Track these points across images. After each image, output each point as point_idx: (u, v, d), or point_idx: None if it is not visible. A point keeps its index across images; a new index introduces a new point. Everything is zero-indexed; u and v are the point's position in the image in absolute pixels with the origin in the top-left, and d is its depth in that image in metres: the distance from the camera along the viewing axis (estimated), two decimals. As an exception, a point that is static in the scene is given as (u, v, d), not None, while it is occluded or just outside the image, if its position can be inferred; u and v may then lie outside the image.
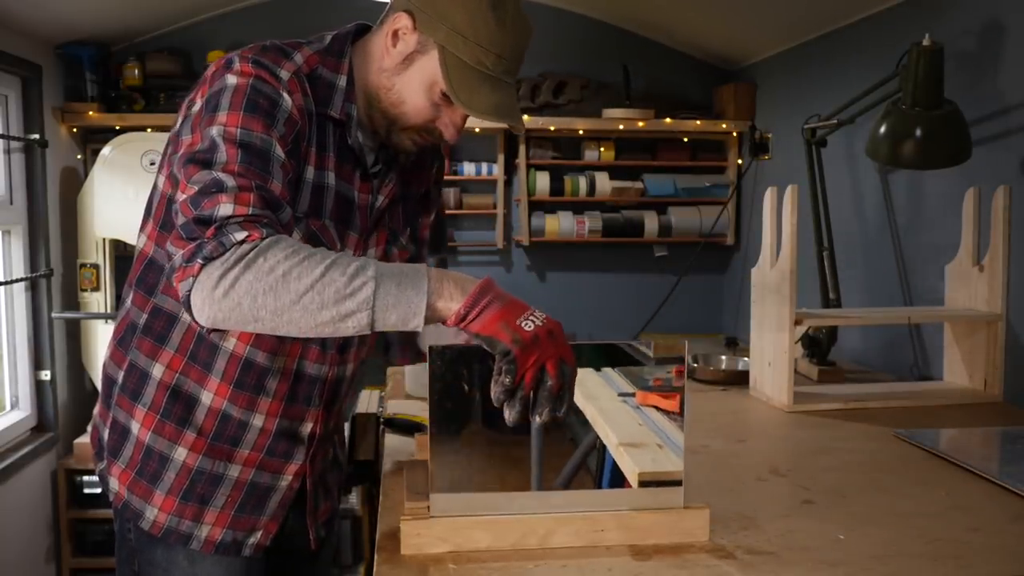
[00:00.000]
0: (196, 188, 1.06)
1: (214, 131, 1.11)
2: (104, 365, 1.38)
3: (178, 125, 1.22)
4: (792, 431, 1.88)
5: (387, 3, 1.27)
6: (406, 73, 1.22)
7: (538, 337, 1.02)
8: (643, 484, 1.18)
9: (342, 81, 1.25)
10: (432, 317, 1.04)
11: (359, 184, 1.30)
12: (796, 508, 1.36)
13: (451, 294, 1.04)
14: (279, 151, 1.13)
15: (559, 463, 1.19)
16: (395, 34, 1.22)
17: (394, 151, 1.32)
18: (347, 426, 1.67)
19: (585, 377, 1.16)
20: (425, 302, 1.02)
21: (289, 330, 1.03)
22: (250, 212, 1.04)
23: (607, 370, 1.19)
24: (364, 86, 1.27)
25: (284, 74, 1.19)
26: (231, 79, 1.16)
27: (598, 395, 1.19)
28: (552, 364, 1.03)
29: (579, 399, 1.15)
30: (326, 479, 1.48)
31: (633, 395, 1.19)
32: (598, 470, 1.20)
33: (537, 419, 1.05)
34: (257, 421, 1.31)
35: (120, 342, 1.34)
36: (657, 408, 1.19)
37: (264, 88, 1.16)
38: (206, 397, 1.29)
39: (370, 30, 1.31)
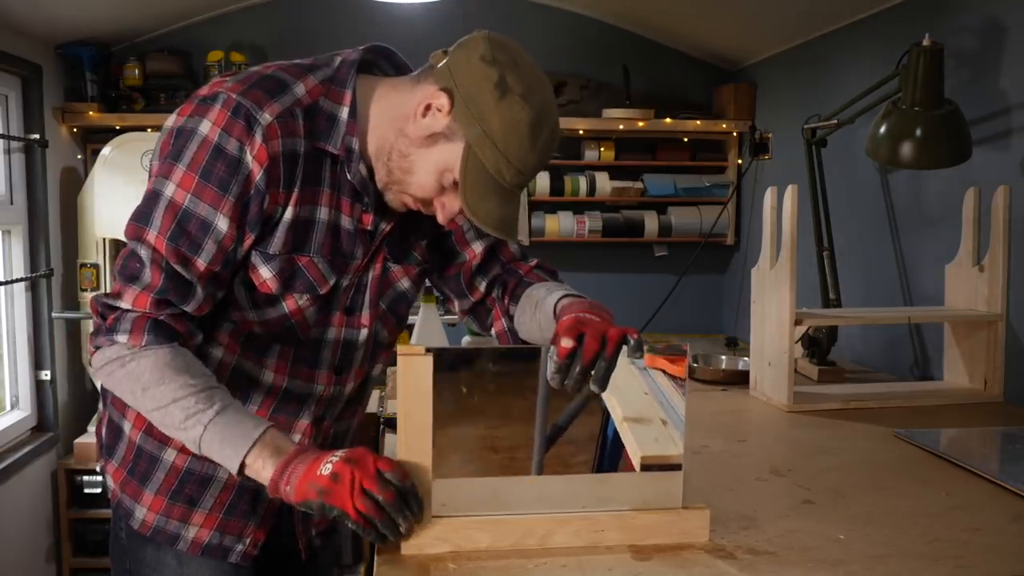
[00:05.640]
0: (122, 259, 1.18)
1: (165, 187, 1.17)
2: None
3: (161, 135, 1.21)
4: (792, 431, 1.88)
5: (388, 2, 1.26)
6: (426, 150, 1.19)
7: (336, 475, 1.06)
8: (645, 468, 1.17)
9: (343, 113, 1.21)
10: (251, 474, 1.12)
11: (360, 215, 1.27)
12: (796, 508, 1.36)
13: (264, 463, 1.11)
14: (223, 224, 1.16)
15: (561, 466, 1.18)
16: (428, 107, 1.17)
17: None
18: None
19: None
20: (239, 463, 1.11)
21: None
22: (146, 310, 1.15)
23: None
24: (378, 135, 1.23)
25: (265, 118, 1.15)
26: (204, 127, 1.15)
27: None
28: (369, 482, 1.06)
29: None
30: None
31: (641, 356, 1.17)
32: (600, 438, 1.19)
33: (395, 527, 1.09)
34: None
35: None
36: (664, 372, 1.18)
37: (228, 146, 1.15)
38: None
39: (384, 53, 1.29)
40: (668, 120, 3.89)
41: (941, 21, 2.42)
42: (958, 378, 2.18)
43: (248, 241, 1.20)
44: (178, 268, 1.16)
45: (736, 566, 1.13)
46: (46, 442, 3.28)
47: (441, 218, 1.24)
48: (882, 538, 1.23)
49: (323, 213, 1.24)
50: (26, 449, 3.12)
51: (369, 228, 1.29)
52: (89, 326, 3.40)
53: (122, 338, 1.14)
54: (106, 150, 3.40)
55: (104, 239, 3.43)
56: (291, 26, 3.83)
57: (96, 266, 3.43)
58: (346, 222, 1.27)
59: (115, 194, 3.36)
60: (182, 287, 1.16)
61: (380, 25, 3.75)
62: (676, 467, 1.18)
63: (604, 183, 3.95)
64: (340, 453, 1.08)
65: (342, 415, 1.41)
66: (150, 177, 1.21)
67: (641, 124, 3.86)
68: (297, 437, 1.34)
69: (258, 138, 1.15)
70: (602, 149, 3.97)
